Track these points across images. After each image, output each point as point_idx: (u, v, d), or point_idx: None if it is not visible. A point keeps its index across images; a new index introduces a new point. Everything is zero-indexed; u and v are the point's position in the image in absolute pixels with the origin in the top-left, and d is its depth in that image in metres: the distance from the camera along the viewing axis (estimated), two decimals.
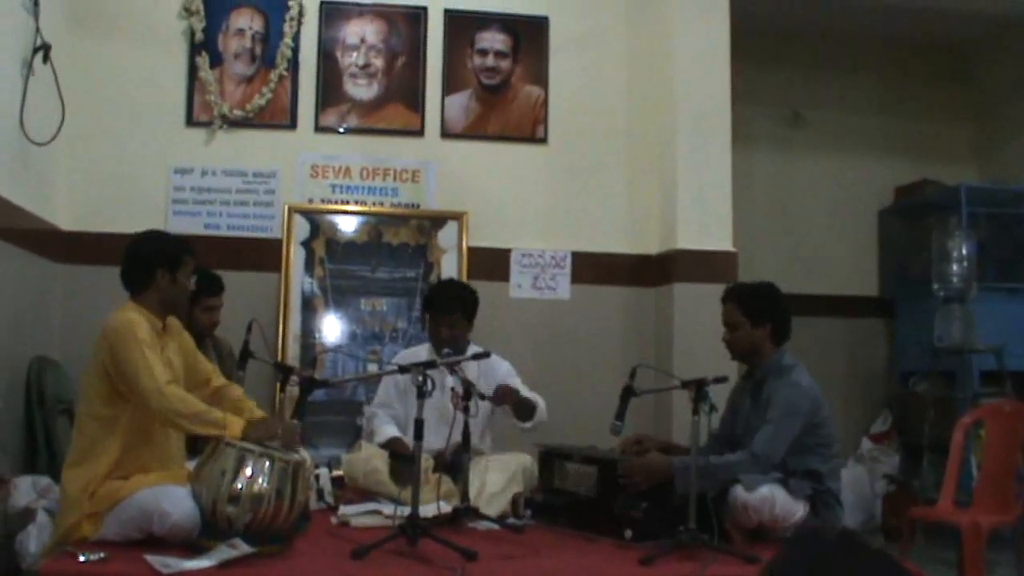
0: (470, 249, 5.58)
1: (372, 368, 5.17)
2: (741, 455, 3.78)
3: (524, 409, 4.42)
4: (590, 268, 5.76)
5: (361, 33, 5.74)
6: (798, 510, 3.74)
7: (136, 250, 3.68)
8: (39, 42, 4.75)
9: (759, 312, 4.01)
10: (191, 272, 3.70)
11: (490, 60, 5.84)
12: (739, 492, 3.68)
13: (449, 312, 4.53)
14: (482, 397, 3.98)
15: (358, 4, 5.75)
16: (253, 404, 3.84)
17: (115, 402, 3.45)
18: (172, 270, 3.63)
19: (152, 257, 3.64)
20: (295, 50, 5.64)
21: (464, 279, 5.37)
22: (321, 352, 5.31)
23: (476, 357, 4.11)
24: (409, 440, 3.81)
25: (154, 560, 2.99)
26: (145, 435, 3.51)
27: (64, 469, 3.50)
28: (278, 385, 4.97)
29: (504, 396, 4.34)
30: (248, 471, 3.25)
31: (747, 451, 3.78)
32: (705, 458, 3.66)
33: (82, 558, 3.04)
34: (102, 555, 3.08)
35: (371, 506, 4.05)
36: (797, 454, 3.82)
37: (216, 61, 5.56)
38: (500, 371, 4.59)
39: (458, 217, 5.63)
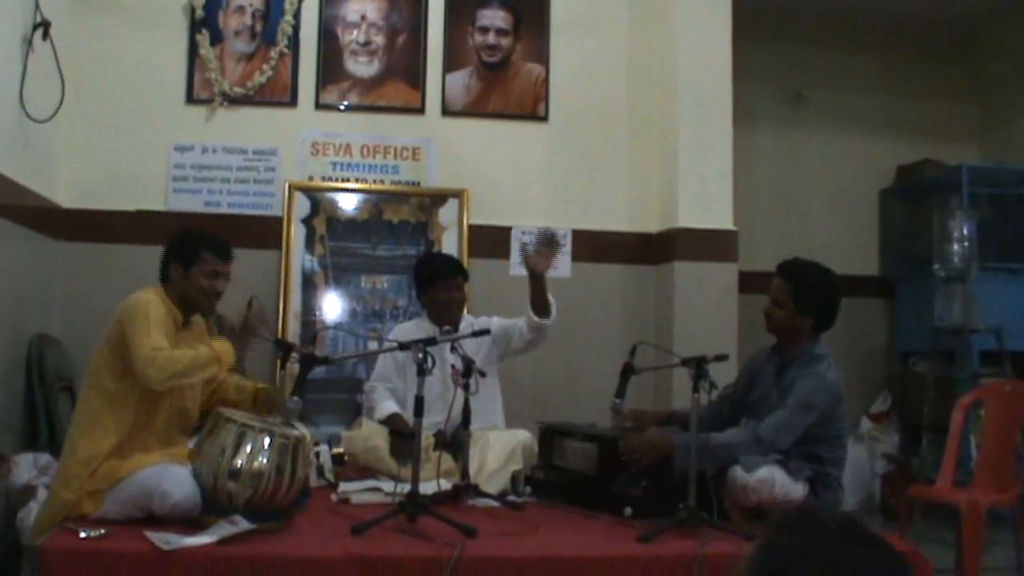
0: (470, 227, 5.56)
1: (372, 346, 5.18)
2: (744, 435, 3.76)
3: (544, 300, 4.44)
4: (590, 246, 5.74)
5: (362, 10, 5.71)
6: (797, 491, 3.73)
7: (167, 240, 3.71)
8: (39, 19, 4.73)
9: (809, 303, 3.91)
10: (211, 271, 3.64)
11: (491, 38, 5.81)
12: (738, 472, 3.67)
13: (456, 274, 4.65)
14: (482, 374, 3.97)
15: None
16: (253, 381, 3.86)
17: (124, 378, 3.43)
18: (186, 265, 3.60)
19: (169, 250, 3.66)
20: (295, 27, 5.60)
21: (464, 257, 5.38)
22: (321, 329, 5.30)
23: (476, 334, 4.10)
24: (408, 416, 3.82)
25: (154, 536, 3.00)
26: (151, 414, 3.50)
27: (65, 440, 3.50)
28: (278, 362, 4.97)
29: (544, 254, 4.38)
30: (248, 448, 3.25)
31: (751, 432, 3.75)
32: (706, 436, 3.63)
33: (83, 534, 3.05)
34: (103, 531, 3.09)
35: (371, 483, 4.06)
36: (804, 441, 3.78)
37: (216, 38, 5.53)
38: (492, 326, 4.57)
39: (458, 195, 5.61)
